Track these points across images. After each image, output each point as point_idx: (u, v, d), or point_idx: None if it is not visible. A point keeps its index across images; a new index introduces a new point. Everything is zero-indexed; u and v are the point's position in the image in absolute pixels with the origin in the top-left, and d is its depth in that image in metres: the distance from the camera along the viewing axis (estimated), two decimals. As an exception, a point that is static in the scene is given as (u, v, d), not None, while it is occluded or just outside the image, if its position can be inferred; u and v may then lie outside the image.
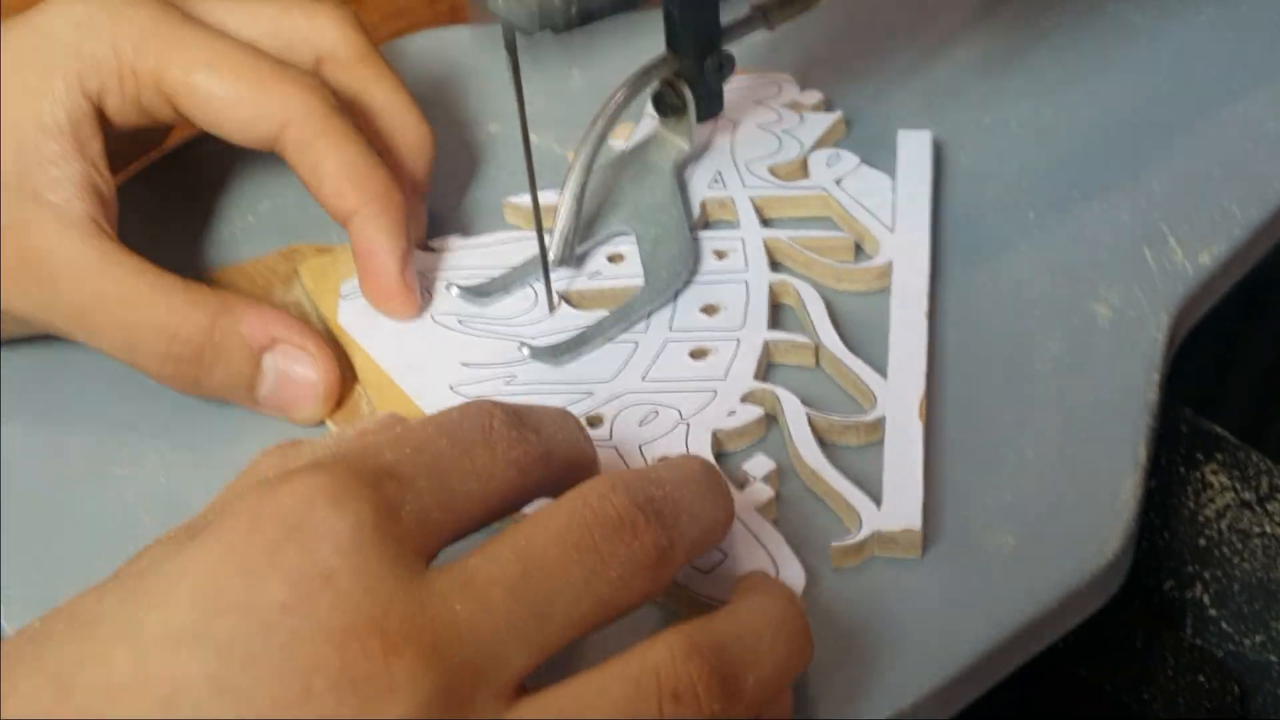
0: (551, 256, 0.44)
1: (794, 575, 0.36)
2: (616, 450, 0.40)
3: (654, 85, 0.47)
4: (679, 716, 0.29)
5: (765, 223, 0.47)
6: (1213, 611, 0.44)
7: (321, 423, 0.42)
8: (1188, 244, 0.46)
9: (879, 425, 0.40)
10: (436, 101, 0.53)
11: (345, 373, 0.42)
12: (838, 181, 0.47)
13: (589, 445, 0.35)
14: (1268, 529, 0.44)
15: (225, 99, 0.42)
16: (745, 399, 0.41)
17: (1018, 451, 0.40)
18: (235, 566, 0.28)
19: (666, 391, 0.41)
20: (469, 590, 0.29)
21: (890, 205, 0.46)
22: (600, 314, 0.43)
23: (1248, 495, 0.45)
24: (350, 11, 0.46)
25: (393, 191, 0.43)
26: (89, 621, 0.28)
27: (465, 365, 0.42)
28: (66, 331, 0.42)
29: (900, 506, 0.38)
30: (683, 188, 0.47)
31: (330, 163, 0.42)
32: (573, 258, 0.45)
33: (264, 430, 0.42)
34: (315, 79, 0.43)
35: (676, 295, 0.44)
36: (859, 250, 0.46)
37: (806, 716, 0.34)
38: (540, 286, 0.44)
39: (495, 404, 0.33)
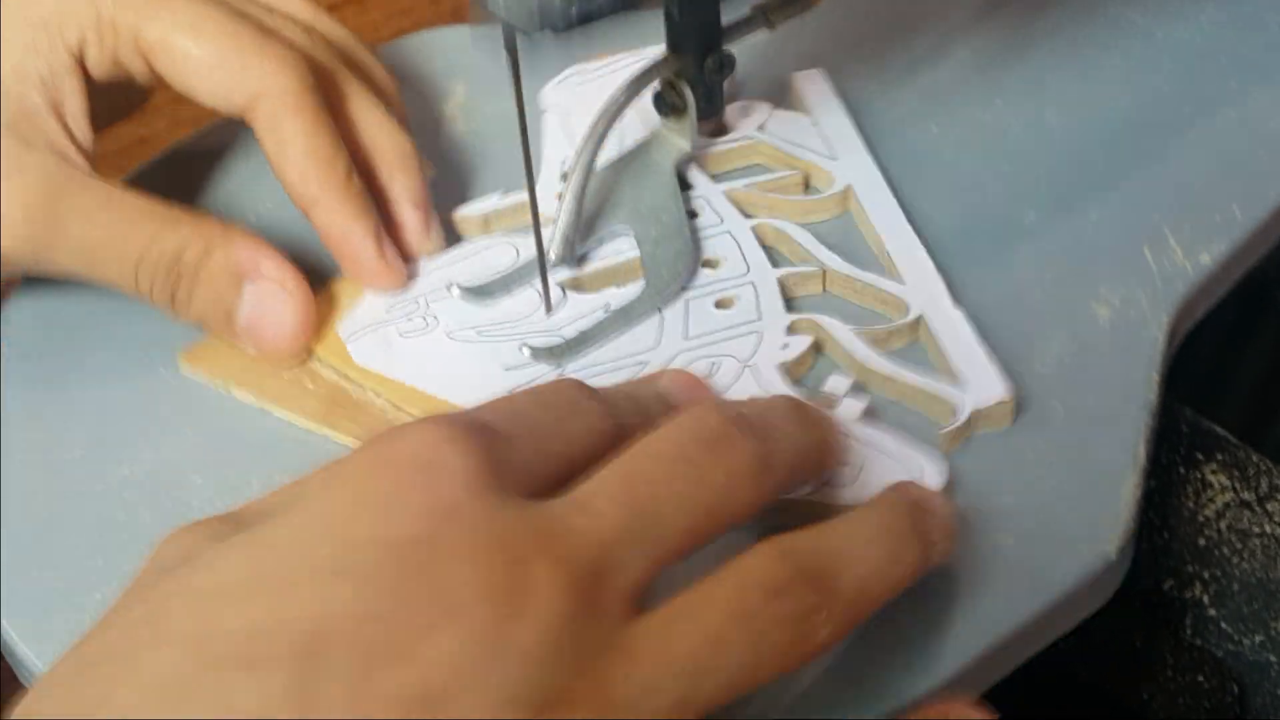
0: (552, 256, 0.44)
1: (936, 472, 0.38)
2: None
3: (654, 85, 0.47)
4: (781, 610, 0.30)
5: (714, 178, 0.48)
6: (1212, 611, 0.44)
7: (304, 358, 0.43)
8: (1188, 244, 0.46)
9: (919, 323, 0.42)
10: (438, 100, 0.53)
11: (322, 312, 0.43)
12: (760, 128, 0.49)
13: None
14: (1267, 529, 0.45)
15: (201, 62, 0.43)
16: (791, 331, 0.42)
17: (1017, 451, 0.40)
18: (368, 505, 0.29)
19: (715, 343, 0.42)
20: (583, 508, 0.30)
21: (820, 138, 0.48)
22: (599, 315, 0.43)
23: (1247, 495, 0.45)
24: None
25: (353, 178, 0.44)
26: (227, 570, 0.29)
27: (507, 369, 0.42)
28: (70, 267, 0.42)
29: (983, 382, 0.40)
30: (683, 187, 0.48)
31: (296, 147, 0.43)
32: (573, 257, 0.45)
33: (267, 426, 0.42)
34: (294, 57, 0.44)
35: (678, 294, 0.44)
36: (807, 184, 0.48)
37: (801, 715, 0.34)
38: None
39: (579, 381, 0.35)
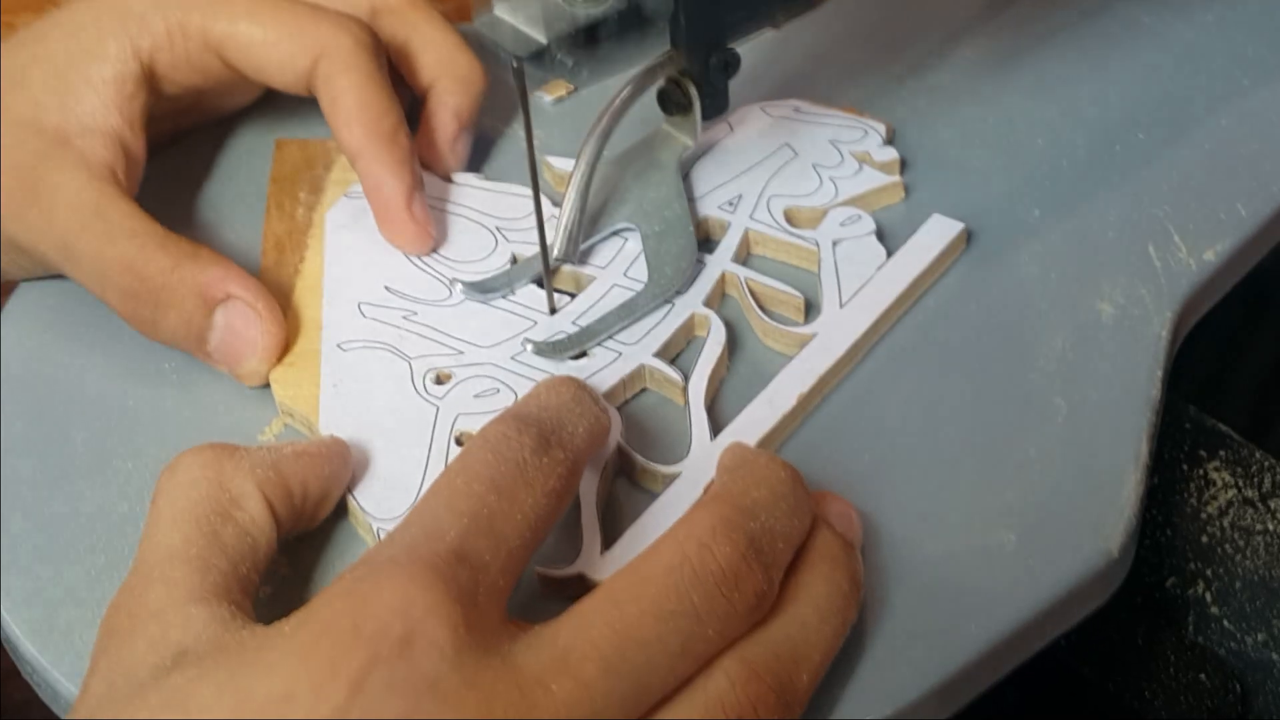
0: (556, 252, 0.44)
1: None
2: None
3: (659, 82, 0.47)
4: None
5: (746, 258, 0.46)
6: (1214, 609, 0.44)
7: (265, 383, 0.42)
8: (1192, 241, 0.46)
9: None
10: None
11: (291, 334, 0.43)
12: (835, 243, 0.45)
13: (602, 413, 0.37)
14: (1270, 526, 0.44)
15: (264, 43, 0.45)
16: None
17: (1020, 448, 0.40)
18: (344, 684, 0.28)
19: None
20: (564, 669, 0.29)
21: (863, 280, 0.44)
22: (600, 313, 0.43)
23: (1250, 492, 0.45)
24: None
25: (400, 133, 0.45)
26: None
27: (387, 289, 0.44)
28: (53, 260, 0.43)
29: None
30: (687, 184, 0.48)
31: (347, 100, 0.45)
32: (577, 254, 0.45)
33: (266, 424, 0.42)
34: (350, 21, 0.46)
35: (678, 293, 0.44)
36: (810, 309, 0.44)
37: (802, 716, 0.34)
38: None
39: (519, 426, 0.34)
